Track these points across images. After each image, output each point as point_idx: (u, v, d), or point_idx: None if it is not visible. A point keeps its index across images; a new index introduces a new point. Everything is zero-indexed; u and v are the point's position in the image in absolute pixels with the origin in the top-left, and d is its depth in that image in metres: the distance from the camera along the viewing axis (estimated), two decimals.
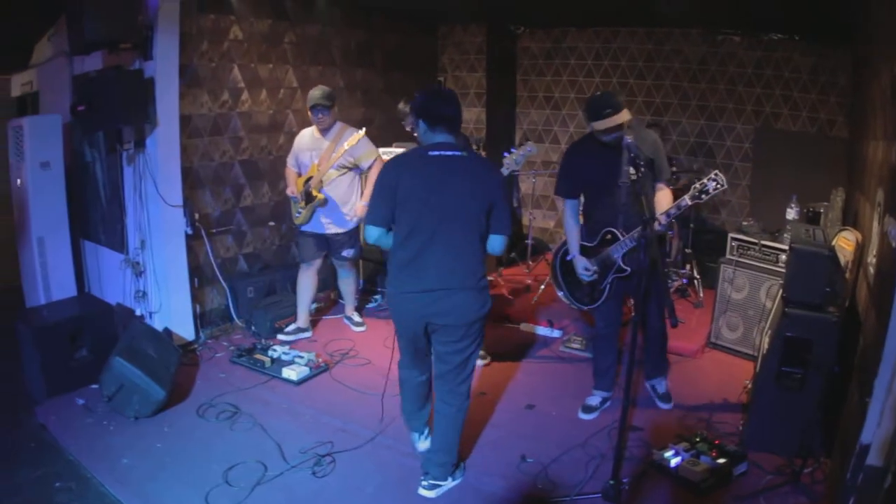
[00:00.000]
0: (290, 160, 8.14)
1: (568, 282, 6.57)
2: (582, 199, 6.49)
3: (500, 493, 5.37)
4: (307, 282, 8.30)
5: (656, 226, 5.66)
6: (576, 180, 6.26)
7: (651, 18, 10.20)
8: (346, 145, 7.60)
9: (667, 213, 5.76)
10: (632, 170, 5.26)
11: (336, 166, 7.74)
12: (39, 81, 9.02)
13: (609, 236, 6.10)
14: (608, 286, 6.24)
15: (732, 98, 10.27)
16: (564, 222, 6.44)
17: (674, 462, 5.45)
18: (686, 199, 5.57)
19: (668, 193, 6.15)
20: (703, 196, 5.50)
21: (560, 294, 6.75)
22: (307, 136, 7.99)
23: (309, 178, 7.81)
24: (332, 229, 8.02)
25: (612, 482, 5.01)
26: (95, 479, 5.53)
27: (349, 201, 8.02)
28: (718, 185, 5.42)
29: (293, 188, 7.91)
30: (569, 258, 6.38)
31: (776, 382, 5.68)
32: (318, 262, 8.25)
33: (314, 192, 7.76)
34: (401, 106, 7.35)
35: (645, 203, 5.13)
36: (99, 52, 7.39)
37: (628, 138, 5.26)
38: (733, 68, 10.15)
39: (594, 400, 6.73)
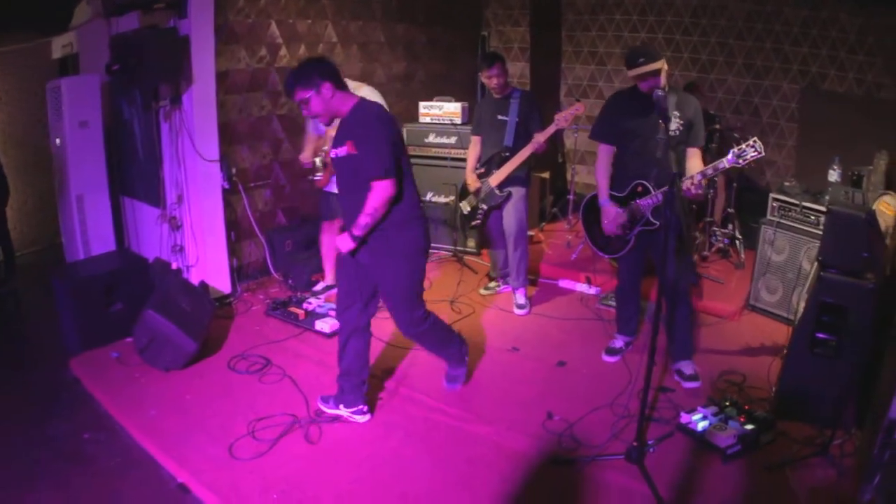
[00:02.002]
0: (309, 126, 8.01)
1: (592, 228, 6.58)
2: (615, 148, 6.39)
3: (523, 450, 5.37)
4: (329, 240, 8.30)
5: (688, 184, 5.62)
6: (612, 126, 6.23)
7: None
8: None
9: (702, 173, 5.66)
10: (676, 121, 5.45)
11: None
12: (79, 43, 9.10)
13: (640, 188, 6.06)
14: (633, 237, 6.22)
15: (779, 57, 10.12)
16: (596, 167, 6.41)
17: (701, 426, 5.40)
18: (724, 162, 5.45)
19: (699, 160, 6.07)
20: (741, 161, 5.38)
21: (586, 239, 6.76)
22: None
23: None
24: None
25: (636, 444, 5.01)
26: (124, 431, 5.64)
27: None
28: (756, 152, 5.29)
29: (307, 154, 7.82)
30: (600, 203, 6.34)
31: (810, 349, 5.59)
32: (338, 221, 8.08)
33: (328, 158, 7.71)
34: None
35: (674, 160, 5.09)
36: (135, 13, 7.45)
37: (660, 92, 5.22)
38: (779, 27, 9.99)
39: (617, 343, 6.85)
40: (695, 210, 8.90)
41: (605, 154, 6.33)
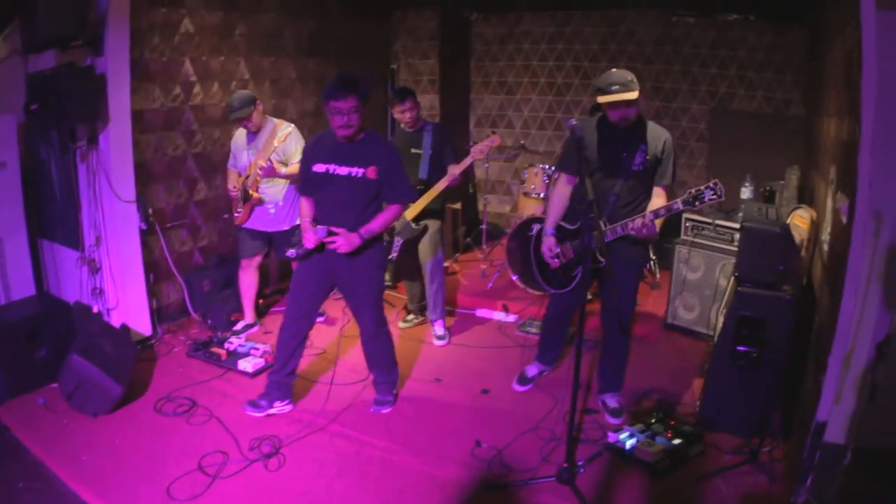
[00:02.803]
0: (230, 161, 8.15)
1: (539, 260, 6.40)
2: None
3: (455, 479, 5.45)
4: (247, 279, 8.34)
5: (638, 224, 5.55)
6: (577, 156, 5.81)
7: (604, 1, 10.28)
8: (275, 142, 7.56)
9: (655, 212, 5.52)
10: (641, 155, 5.46)
11: (269, 163, 7.66)
12: None
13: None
14: (580, 273, 6.06)
15: (687, 79, 10.39)
16: (552, 195, 6.31)
17: (629, 444, 5.53)
18: (678, 203, 5.37)
19: (663, 201, 5.78)
20: (697, 203, 5.32)
21: (515, 278, 6.80)
22: (241, 138, 7.98)
23: (247, 177, 7.82)
24: (273, 227, 8.05)
25: (566, 465, 5.10)
26: (58, 479, 5.54)
27: (291, 198, 8.01)
28: (716, 196, 5.23)
29: (233, 184, 7.95)
30: (545, 232, 6.22)
31: (731, 362, 5.78)
32: (257, 259, 8.27)
33: (251, 192, 7.79)
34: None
35: (591, 189, 5.14)
36: (52, 51, 7.36)
37: (573, 120, 5.32)
38: (688, 49, 10.26)
39: (532, 370, 6.89)
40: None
41: (565, 185, 6.18)
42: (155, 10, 8.10)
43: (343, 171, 5.80)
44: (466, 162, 7.65)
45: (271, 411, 6.35)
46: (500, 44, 12.12)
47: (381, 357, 6.53)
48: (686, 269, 7.86)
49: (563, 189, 6.19)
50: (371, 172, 5.74)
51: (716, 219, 7.67)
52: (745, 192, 7.92)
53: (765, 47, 9.67)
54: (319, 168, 5.88)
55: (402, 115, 7.75)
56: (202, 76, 8.83)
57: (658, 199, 5.79)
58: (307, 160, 6.05)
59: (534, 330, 7.98)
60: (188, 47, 8.59)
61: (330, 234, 5.79)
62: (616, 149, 5.73)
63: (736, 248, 7.02)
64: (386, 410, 6.53)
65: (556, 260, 6.15)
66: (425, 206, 7.63)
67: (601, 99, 5.57)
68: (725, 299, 6.70)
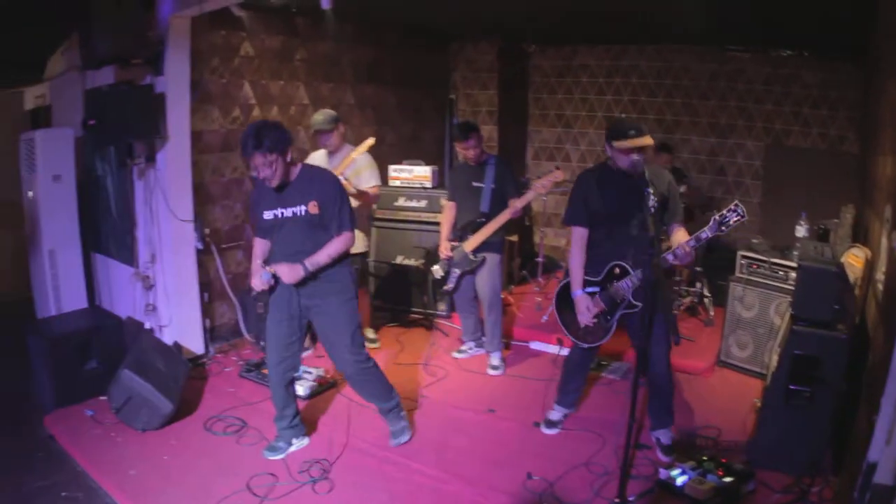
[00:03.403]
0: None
1: (567, 317, 6.28)
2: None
3: None
4: None
5: (671, 259, 5.53)
6: (586, 208, 5.97)
7: (659, 35, 10.23)
8: (353, 154, 7.46)
9: (684, 245, 5.46)
10: (652, 199, 5.24)
11: (344, 178, 7.63)
12: (52, 95, 9.10)
13: (618, 270, 5.84)
14: (615, 322, 5.97)
15: (743, 115, 10.30)
16: (570, 254, 6.18)
17: (680, 481, 5.41)
18: (706, 231, 5.30)
19: (685, 234, 5.76)
20: (724, 228, 5.22)
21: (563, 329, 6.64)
22: (318, 158, 7.92)
23: None
24: None
25: (617, 500, 5.00)
26: (102, 490, 5.56)
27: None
28: (739, 217, 5.14)
29: None
30: (573, 295, 6.10)
31: (784, 400, 5.64)
32: None
33: None
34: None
35: (653, 235, 5.08)
36: (110, 67, 7.43)
37: (635, 156, 5.36)
38: (742, 85, 10.18)
39: (556, 415, 6.70)
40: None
41: (580, 238, 6.05)
42: (215, 33, 8.21)
43: (289, 212, 5.68)
44: (529, 196, 7.57)
45: (291, 449, 6.20)
46: (557, 76, 12.12)
47: (374, 389, 6.25)
48: (740, 307, 7.73)
49: (580, 243, 6.09)
50: (312, 207, 5.64)
51: (771, 257, 7.54)
52: (800, 231, 7.77)
53: (819, 84, 9.59)
54: (268, 215, 5.75)
55: (465, 151, 7.73)
56: (261, 99, 8.89)
57: (681, 233, 5.78)
58: (257, 207, 5.89)
59: (592, 366, 7.84)
60: (248, 70, 8.67)
61: (274, 276, 5.74)
62: (624, 195, 5.65)
63: (790, 287, 6.99)
64: (406, 439, 6.32)
65: (596, 319, 6.03)
66: (485, 239, 7.59)
67: (619, 145, 5.55)
68: (780, 338, 6.57)
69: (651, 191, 5.35)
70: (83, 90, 8.06)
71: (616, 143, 5.56)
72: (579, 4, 8.07)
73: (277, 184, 5.50)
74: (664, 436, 6.20)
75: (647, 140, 5.51)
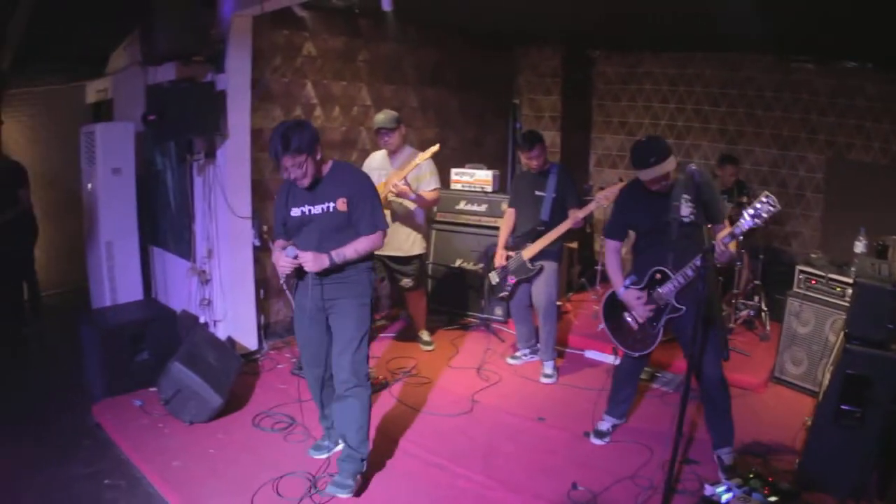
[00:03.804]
0: None
1: (617, 330, 6.25)
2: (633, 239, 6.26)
3: None
4: None
5: (719, 251, 5.35)
6: (622, 221, 6.11)
7: (723, 43, 10.10)
8: (417, 159, 7.49)
9: (723, 240, 5.35)
10: (687, 206, 5.26)
11: (404, 182, 7.64)
12: (114, 89, 9.22)
13: (659, 276, 5.79)
14: (661, 328, 5.91)
15: (806, 127, 10.12)
16: (607, 264, 6.25)
17: (725, 498, 5.30)
18: (742, 224, 5.18)
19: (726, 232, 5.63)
20: (757, 220, 5.12)
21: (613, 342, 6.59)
22: (378, 158, 8.03)
23: None
24: (390, 251, 8.00)
25: None
26: (145, 479, 5.61)
27: (412, 225, 8.05)
28: (771, 206, 5.06)
29: None
30: (618, 295, 6.08)
31: (834, 420, 5.52)
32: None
33: None
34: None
35: (706, 234, 5.03)
36: (172, 64, 7.50)
37: (692, 166, 5.25)
38: (807, 97, 10.01)
39: (605, 425, 6.62)
40: (721, 283, 8.76)
41: (613, 250, 6.17)
42: (277, 32, 8.28)
43: (317, 209, 5.49)
44: (590, 207, 7.56)
45: (337, 449, 6.04)
46: (621, 83, 12.01)
47: (355, 418, 5.63)
48: (796, 323, 7.58)
49: (614, 254, 6.17)
50: (341, 204, 5.47)
51: (828, 272, 7.40)
52: (859, 246, 7.61)
53: (882, 97, 9.37)
54: (296, 212, 5.56)
55: (529, 161, 7.71)
56: (323, 99, 8.95)
57: (722, 233, 5.54)
58: (284, 206, 5.67)
59: (642, 376, 7.76)
60: (310, 70, 8.73)
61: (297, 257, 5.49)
62: (661, 205, 5.58)
63: (846, 303, 6.82)
64: (341, 495, 5.47)
65: (650, 312, 5.92)
66: (544, 248, 7.56)
67: (642, 175, 5.52)
68: (833, 356, 6.44)
69: (683, 202, 5.41)
70: (144, 85, 8.17)
71: (639, 174, 5.54)
72: (645, 8, 7.99)
73: (309, 183, 5.40)
74: (726, 455, 6.02)
75: (669, 166, 5.43)
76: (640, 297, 5.89)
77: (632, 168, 5.63)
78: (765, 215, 5.08)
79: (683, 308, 5.65)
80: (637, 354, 6.17)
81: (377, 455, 6.01)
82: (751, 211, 5.09)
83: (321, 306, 5.57)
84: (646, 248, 5.93)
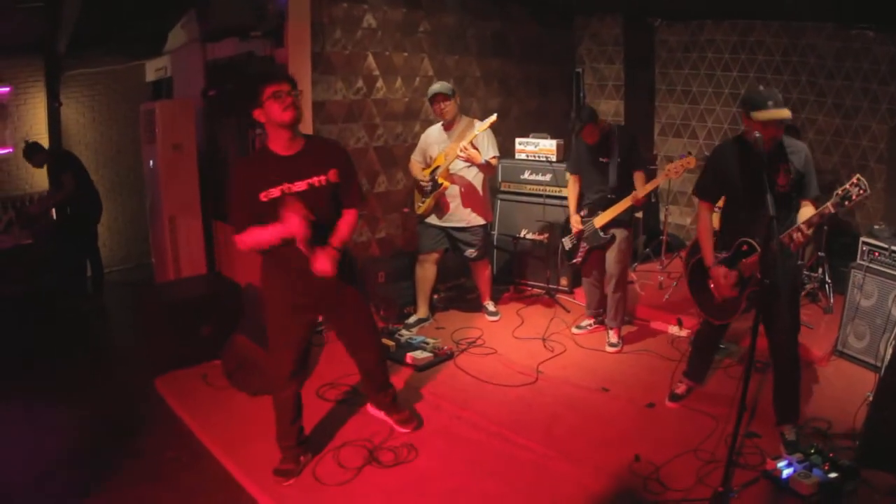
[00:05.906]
0: (415, 155, 8.20)
1: (699, 294, 6.15)
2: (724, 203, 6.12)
3: (607, 493, 5.27)
4: (424, 273, 8.37)
5: (797, 236, 5.26)
6: (715, 182, 5.88)
7: (783, 10, 9.92)
8: (476, 129, 7.52)
9: (808, 222, 5.23)
10: (786, 176, 5.17)
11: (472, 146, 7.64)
12: (173, 67, 9.29)
13: (745, 247, 5.63)
14: (744, 299, 5.74)
15: (868, 96, 9.89)
16: (699, 229, 6.05)
17: (785, 473, 5.26)
18: (829, 207, 5.06)
19: (811, 210, 5.47)
20: (846, 203, 4.98)
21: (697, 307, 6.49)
22: (434, 132, 8.05)
23: (436, 168, 7.83)
24: (453, 222, 8.07)
25: (720, 489, 4.89)
26: (207, 451, 5.68)
27: (474, 196, 8.05)
28: (861, 191, 4.91)
29: (420, 175, 7.94)
30: (707, 268, 5.92)
31: (894, 397, 5.45)
32: (435, 255, 8.29)
33: (440, 180, 7.77)
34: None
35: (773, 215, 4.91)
36: (231, 39, 7.53)
37: (756, 134, 5.13)
38: (868, 65, 9.79)
39: (681, 388, 6.60)
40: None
41: (705, 211, 5.98)
42: (336, 5, 8.27)
43: (301, 185, 4.95)
44: (658, 180, 7.60)
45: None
46: (683, 51, 11.85)
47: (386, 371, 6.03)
48: (860, 296, 7.43)
49: (706, 218, 5.99)
50: (333, 175, 5.01)
51: (891, 244, 7.24)
52: None
53: None
54: (272, 194, 4.91)
55: (585, 138, 7.55)
56: (385, 71, 8.95)
57: (807, 209, 5.48)
58: (247, 193, 4.99)
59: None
60: (370, 42, 8.73)
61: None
62: (758, 171, 5.25)
63: None
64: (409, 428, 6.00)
65: (735, 288, 5.75)
66: (615, 216, 7.52)
67: (757, 116, 5.30)
68: (895, 329, 6.32)
69: (788, 166, 5.31)
70: (203, 62, 8.21)
71: (754, 115, 5.33)
72: None
73: (293, 117, 4.93)
74: (789, 432, 5.94)
75: (785, 112, 5.28)
76: (728, 277, 5.72)
77: (745, 111, 5.40)
78: (855, 199, 4.94)
79: (767, 282, 5.51)
80: (718, 323, 6.10)
81: (439, 424, 6.07)
82: (840, 192, 4.95)
83: (310, 305, 5.39)
84: (736, 214, 5.77)
